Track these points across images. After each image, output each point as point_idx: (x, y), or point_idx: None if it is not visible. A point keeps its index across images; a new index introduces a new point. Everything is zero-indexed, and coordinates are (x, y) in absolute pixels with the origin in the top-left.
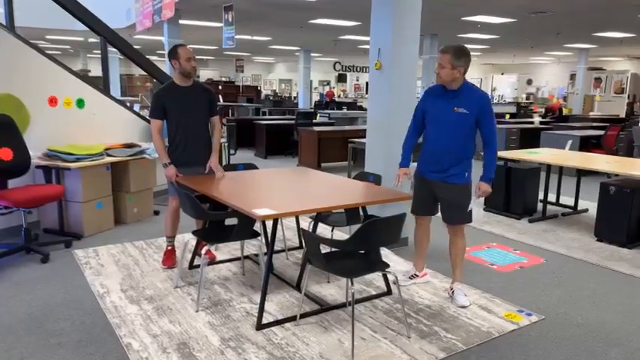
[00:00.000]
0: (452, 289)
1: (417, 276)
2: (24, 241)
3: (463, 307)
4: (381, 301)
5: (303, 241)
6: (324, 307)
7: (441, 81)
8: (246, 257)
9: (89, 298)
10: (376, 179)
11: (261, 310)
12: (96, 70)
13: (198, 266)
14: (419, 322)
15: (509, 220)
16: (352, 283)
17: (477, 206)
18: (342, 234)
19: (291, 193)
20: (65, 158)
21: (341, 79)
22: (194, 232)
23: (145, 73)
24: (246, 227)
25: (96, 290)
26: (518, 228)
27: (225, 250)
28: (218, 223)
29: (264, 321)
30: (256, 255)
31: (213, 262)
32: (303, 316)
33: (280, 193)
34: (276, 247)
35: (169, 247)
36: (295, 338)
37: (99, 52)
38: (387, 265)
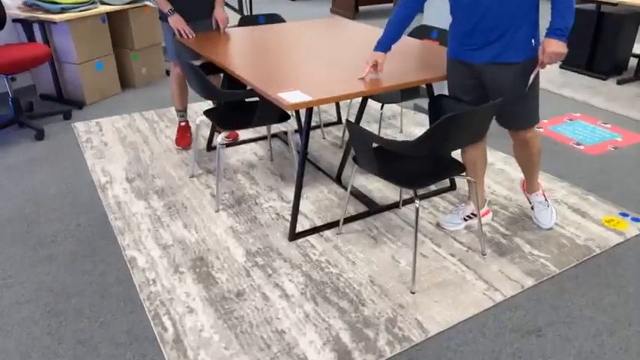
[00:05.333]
0: (531, 203)
1: (475, 216)
2: (13, 113)
3: (548, 229)
4: (443, 199)
5: (345, 128)
6: (371, 210)
7: None
8: (274, 136)
9: (88, 190)
10: (442, 36)
11: (295, 217)
12: None
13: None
14: (494, 230)
15: (593, 81)
16: (416, 196)
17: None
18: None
19: (329, 63)
20: (48, 8)
21: None
22: (206, 113)
23: None
24: (272, 109)
25: (97, 179)
26: (604, 92)
27: None
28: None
29: (299, 227)
30: (285, 133)
31: (234, 142)
32: (347, 220)
33: (314, 62)
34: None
35: (182, 123)
36: (338, 254)
37: None
38: (463, 167)
